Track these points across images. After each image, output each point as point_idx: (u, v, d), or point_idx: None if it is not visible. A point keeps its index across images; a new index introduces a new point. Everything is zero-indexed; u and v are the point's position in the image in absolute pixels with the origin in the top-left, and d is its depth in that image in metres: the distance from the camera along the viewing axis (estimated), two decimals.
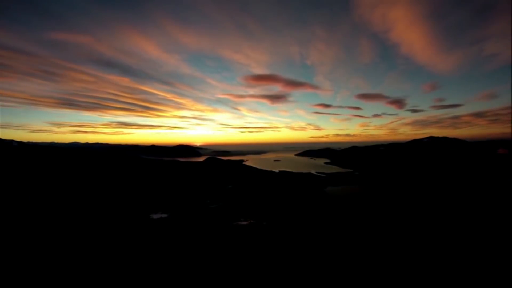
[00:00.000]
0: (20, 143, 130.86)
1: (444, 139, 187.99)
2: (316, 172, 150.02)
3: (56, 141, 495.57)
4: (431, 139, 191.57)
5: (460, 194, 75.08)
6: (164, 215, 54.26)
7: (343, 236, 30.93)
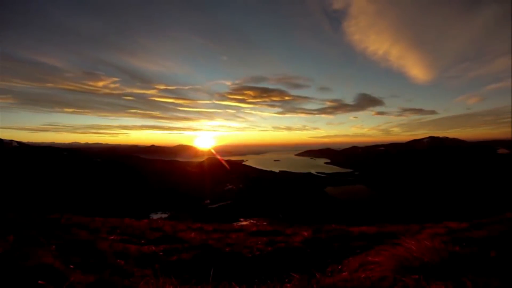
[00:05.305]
0: (20, 143, 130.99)
1: (445, 139, 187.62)
2: (316, 172, 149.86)
3: (56, 141, 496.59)
4: (432, 139, 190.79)
5: (462, 193, 74.84)
6: (164, 215, 54.20)
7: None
